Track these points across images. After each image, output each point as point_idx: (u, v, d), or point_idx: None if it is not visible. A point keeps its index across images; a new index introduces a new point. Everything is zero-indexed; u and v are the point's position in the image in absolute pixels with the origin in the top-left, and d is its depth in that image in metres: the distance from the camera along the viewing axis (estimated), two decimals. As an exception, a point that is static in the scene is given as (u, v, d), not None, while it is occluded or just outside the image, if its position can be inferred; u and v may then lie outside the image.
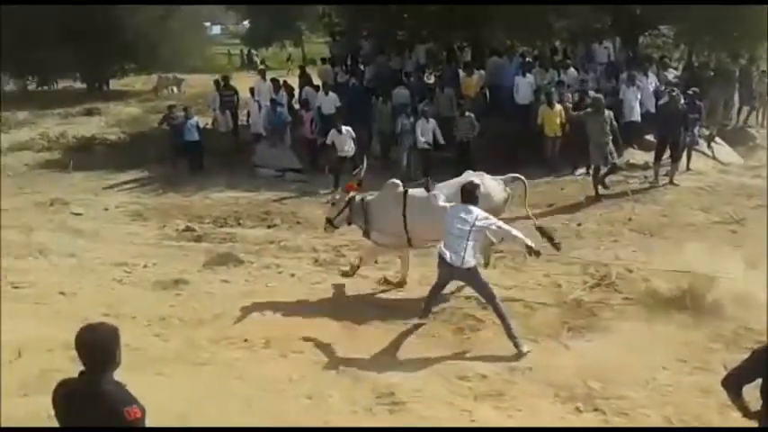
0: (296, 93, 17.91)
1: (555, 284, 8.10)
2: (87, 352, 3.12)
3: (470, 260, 6.47)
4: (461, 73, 16.07)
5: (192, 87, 29.77)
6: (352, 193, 8.18)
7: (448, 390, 5.93)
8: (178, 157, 15.44)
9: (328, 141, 13.44)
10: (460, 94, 15.34)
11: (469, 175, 7.81)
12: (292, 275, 8.96)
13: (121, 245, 10.68)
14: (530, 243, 6.64)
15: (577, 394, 5.75)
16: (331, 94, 15.54)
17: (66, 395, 3.19)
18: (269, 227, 11.43)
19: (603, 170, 11.85)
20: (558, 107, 13.63)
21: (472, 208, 6.57)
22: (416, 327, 7.08)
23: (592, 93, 13.90)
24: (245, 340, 7.06)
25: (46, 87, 32.63)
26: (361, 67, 17.75)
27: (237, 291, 8.51)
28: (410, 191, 7.95)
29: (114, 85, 32.95)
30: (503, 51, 16.89)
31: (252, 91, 16.88)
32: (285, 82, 17.93)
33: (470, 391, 5.89)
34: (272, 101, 15.66)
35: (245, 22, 46.91)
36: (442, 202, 7.28)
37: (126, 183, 14.92)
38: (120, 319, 7.53)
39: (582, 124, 12.07)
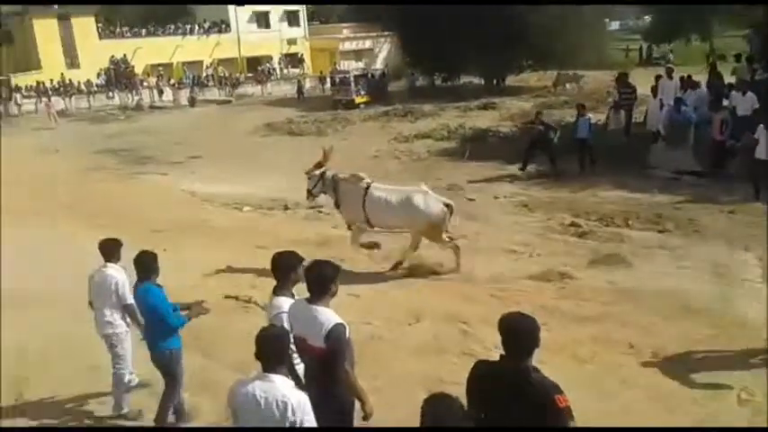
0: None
1: None
2: (514, 338, 3.20)
3: None
4: None
5: (587, 84, 29.61)
6: (323, 169, 9.46)
7: None
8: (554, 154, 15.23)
9: (756, 136, 11.73)
10: None
11: (417, 188, 9.22)
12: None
13: (509, 233, 11.04)
14: None
15: None
16: (749, 93, 13.70)
17: (487, 375, 3.30)
18: (660, 231, 10.59)
19: None
20: None
21: None
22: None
23: None
24: (631, 346, 6.65)
25: (449, 83, 35.80)
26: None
27: (623, 293, 8.08)
28: (371, 186, 9.19)
29: (510, 80, 34.57)
30: None
31: (654, 89, 15.90)
32: (690, 78, 16.48)
33: None
34: (677, 99, 14.49)
35: (647, 18, 44.83)
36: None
37: (514, 174, 15.38)
38: (505, 302, 7.82)
39: None
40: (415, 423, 5.45)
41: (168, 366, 5.40)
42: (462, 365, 6.37)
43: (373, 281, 8.79)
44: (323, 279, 4.08)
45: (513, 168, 15.77)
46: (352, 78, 32.44)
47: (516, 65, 33.57)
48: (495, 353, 5.97)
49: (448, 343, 6.91)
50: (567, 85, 30.29)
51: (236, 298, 8.32)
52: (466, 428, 2.90)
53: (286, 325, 4.16)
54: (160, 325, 5.27)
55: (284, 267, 4.48)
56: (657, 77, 16.35)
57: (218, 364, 6.62)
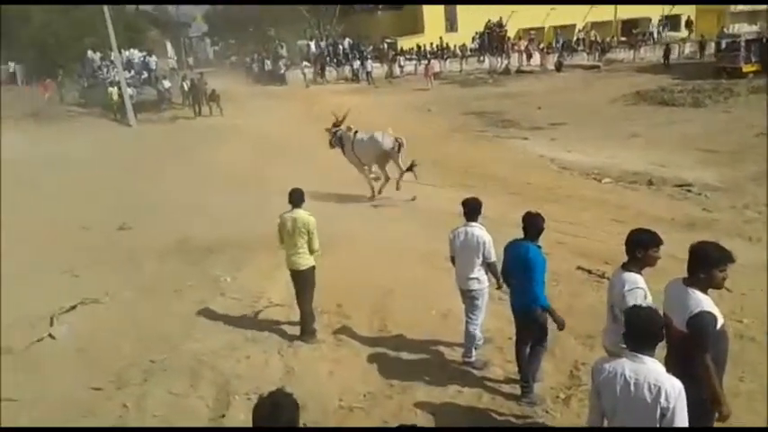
0: None
1: None
2: None
3: None
4: None
5: None
6: (337, 128, 12.94)
7: None
8: None
9: None
10: None
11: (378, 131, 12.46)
12: None
13: None
14: None
15: None
16: None
17: None
18: None
19: None
20: None
21: None
22: None
23: None
24: None
25: None
26: None
27: None
28: (358, 133, 12.59)
29: None
30: None
31: None
32: None
33: None
34: None
35: None
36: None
37: None
38: None
39: None
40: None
41: (539, 323, 5.49)
42: None
43: (743, 275, 7.70)
44: (701, 262, 3.83)
45: None
46: (742, 43, 28.71)
47: None
48: None
49: None
50: None
51: (589, 271, 8.13)
52: None
53: (640, 301, 4.04)
54: (538, 284, 5.33)
55: (632, 244, 4.33)
56: None
57: (565, 333, 6.56)
